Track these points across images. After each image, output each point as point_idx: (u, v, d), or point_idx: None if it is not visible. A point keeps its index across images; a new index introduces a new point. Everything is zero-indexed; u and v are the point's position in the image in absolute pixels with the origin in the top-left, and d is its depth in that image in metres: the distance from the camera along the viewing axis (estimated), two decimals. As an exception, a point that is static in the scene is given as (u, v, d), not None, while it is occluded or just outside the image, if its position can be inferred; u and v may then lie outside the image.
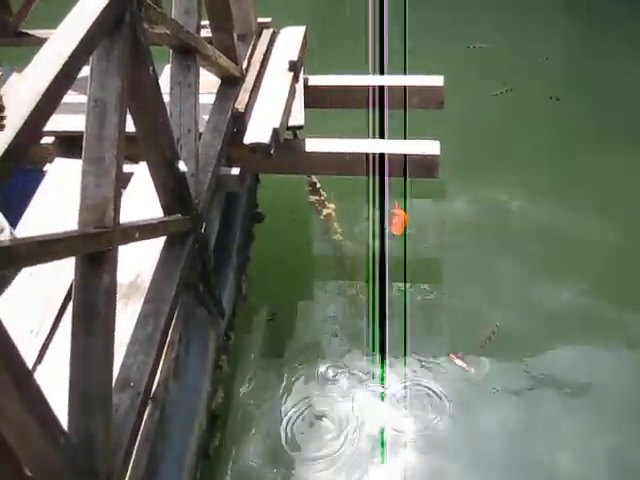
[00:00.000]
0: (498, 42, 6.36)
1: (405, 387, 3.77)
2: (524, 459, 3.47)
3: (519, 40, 6.43)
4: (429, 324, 4.12)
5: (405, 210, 4.63)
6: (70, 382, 2.06)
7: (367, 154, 3.95)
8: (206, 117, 3.67)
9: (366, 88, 4.34)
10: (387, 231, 4.57)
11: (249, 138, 3.62)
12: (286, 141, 3.90)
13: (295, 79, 4.11)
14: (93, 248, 2.06)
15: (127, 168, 3.12)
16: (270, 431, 3.64)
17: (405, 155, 3.92)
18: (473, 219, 4.77)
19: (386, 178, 4.08)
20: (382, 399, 3.74)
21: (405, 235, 4.54)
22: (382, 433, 3.57)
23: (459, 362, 3.82)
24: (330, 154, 3.98)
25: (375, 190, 4.36)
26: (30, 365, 2.51)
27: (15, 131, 1.52)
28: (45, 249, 1.75)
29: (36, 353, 2.72)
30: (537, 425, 3.60)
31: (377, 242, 4.49)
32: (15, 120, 1.55)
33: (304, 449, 3.55)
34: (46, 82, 1.65)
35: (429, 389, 3.73)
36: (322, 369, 3.91)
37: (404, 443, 3.53)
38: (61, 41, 1.81)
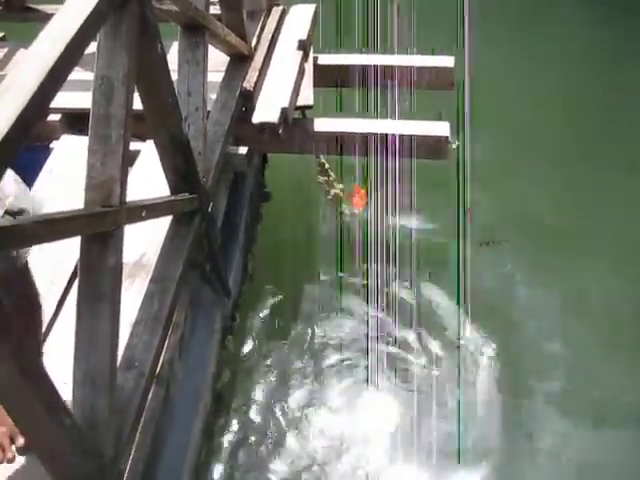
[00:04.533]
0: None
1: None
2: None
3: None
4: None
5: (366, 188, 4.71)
6: (75, 362, 2.04)
7: (376, 134, 3.92)
8: (214, 95, 3.63)
9: (376, 67, 4.30)
10: (349, 207, 4.72)
11: (257, 117, 3.59)
12: (295, 120, 3.87)
13: (304, 58, 4.07)
14: (99, 228, 2.03)
15: (134, 146, 3.09)
16: (275, 411, 3.65)
17: (415, 136, 3.88)
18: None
19: (386, 158, 4.06)
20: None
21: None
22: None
23: None
24: (339, 134, 3.94)
25: (383, 171, 4.33)
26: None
27: (21, 108, 1.49)
28: (51, 228, 1.73)
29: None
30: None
31: (381, 224, 4.48)
32: (21, 97, 1.52)
33: (309, 431, 3.56)
34: (52, 59, 1.61)
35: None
36: (326, 349, 3.92)
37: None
38: (67, 17, 1.78)
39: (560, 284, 4.27)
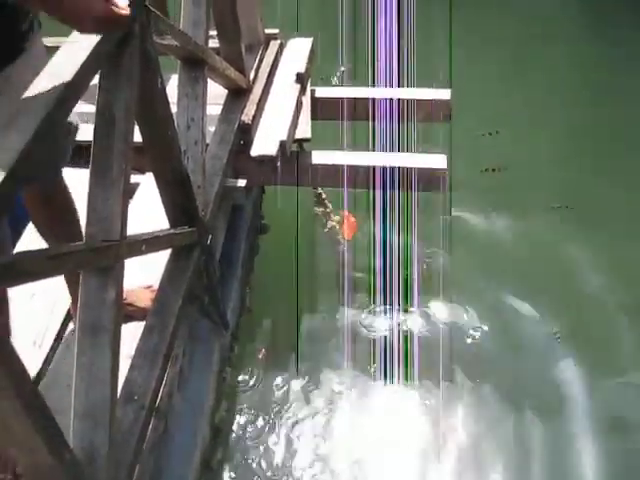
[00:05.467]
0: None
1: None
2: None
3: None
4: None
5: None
6: (74, 397, 2.04)
7: (373, 167, 3.94)
8: (212, 128, 3.66)
9: (373, 100, 4.33)
10: (340, 237, 4.72)
11: (256, 150, 3.61)
12: (292, 153, 3.89)
13: (302, 91, 4.11)
14: (100, 262, 2.04)
15: (133, 179, 3.11)
16: (274, 444, 3.62)
17: (412, 169, 3.90)
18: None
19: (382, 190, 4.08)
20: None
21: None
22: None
23: None
24: (336, 167, 3.96)
25: (380, 203, 4.35)
26: (32, 378, 2.51)
27: (24, 144, 1.51)
28: (52, 263, 1.73)
29: (39, 366, 2.70)
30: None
31: (378, 256, 4.49)
32: (25, 132, 1.53)
33: (309, 463, 3.54)
34: (56, 94, 1.63)
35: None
36: (325, 379, 3.91)
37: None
38: (71, 52, 1.80)
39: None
